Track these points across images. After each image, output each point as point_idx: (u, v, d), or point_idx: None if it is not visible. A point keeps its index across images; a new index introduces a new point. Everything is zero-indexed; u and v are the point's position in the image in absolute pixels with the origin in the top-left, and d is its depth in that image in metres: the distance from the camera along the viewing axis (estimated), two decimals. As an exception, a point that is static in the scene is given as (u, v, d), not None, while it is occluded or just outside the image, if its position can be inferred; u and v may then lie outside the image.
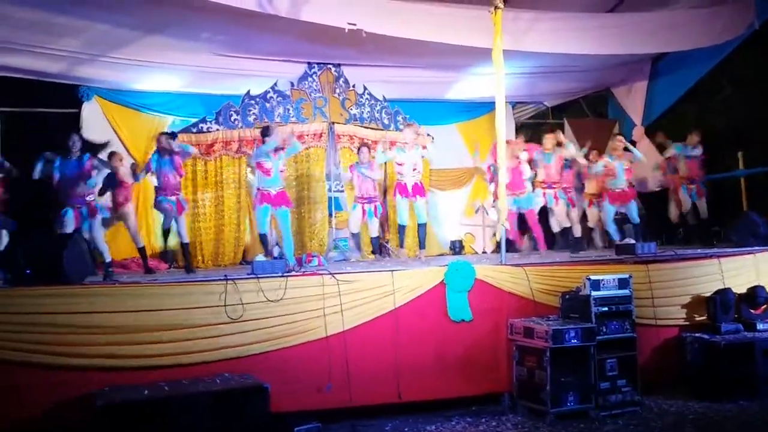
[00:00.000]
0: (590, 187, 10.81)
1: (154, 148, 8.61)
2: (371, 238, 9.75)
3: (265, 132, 8.31)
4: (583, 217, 11.16)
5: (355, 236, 9.54)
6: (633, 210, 9.72)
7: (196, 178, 10.11)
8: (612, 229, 9.98)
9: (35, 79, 9.35)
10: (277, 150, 8.22)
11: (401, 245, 9.24)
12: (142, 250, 8.56)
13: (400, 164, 9.20)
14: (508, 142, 9.25)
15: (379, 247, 9.88)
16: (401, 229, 9.25)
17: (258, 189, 8.25)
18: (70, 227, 7.54)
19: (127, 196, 8.61)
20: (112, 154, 8.75)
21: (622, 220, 11.16)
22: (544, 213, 10.28)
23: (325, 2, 7.61)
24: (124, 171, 8.63)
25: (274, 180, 8.14)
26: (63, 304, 5.63)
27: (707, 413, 6.48)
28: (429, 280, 6.78)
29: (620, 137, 9.90)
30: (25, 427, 5.39)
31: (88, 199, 7.74)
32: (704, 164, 10.57)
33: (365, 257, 9.99)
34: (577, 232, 10.13)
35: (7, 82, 9.22)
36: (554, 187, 9.94)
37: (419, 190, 9.07)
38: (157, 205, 8.55)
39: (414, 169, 9.07)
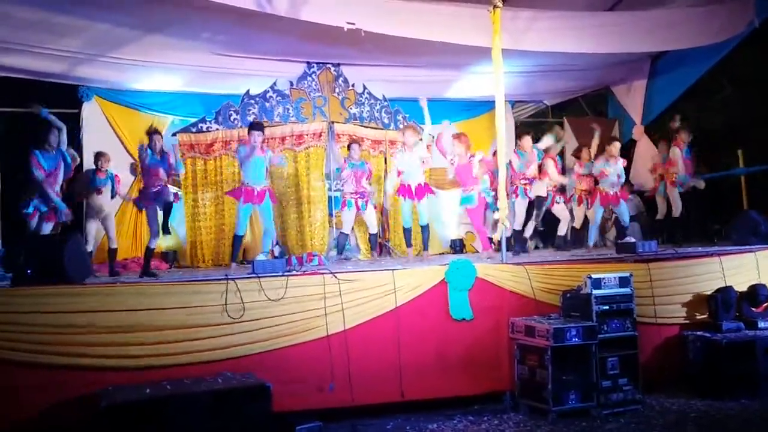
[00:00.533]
0: (580, 183, 10.80)
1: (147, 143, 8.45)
2: (369, 235, 9.74)
3: (253, 127, 8.29)
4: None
5: (345, 236, 9.52)
6: (623, 212, 9.68)
7: (195, 177, 10.11)
8: (594, 232, 9.93)
9: (35, 79, 9.34)
10: (263, 149, 8.22)
11: (408, 245, 9.20)
12: (113, 252, 8.51)
13: (400, 171, 9.12)
14: (460, 135, 9.20)
15: (379, 246, 9.86)
16: (406, 231, 9.20)
17: (242, 184, 8.20)
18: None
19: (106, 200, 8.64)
20: (99, 155, 8.74)
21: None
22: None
23: (323, 2, 7.59)
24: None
25: (257, 176, 8.14)
26: (64, 304, 5.62)
27: (709, 411, 6.49)
28: (430, 279, 6.78)
29: (616, 142, 9.82)
30: (27, 428, 5.39)
31: (56, 199, 7.65)
32: (698, 160, 10.55)
33: (365, 256, 9.97)
34: (562, 230, 10.12)
35: (7, 83, 9.22)
36: (534, 183, 9.89)
37: (423, 191, 8.97)
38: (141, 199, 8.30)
39: (420, 168, 9.02)
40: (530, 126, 14.16)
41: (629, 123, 12.33)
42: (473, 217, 9.38)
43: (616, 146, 9.66)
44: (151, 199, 7.97)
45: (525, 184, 9.67)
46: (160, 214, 8.02)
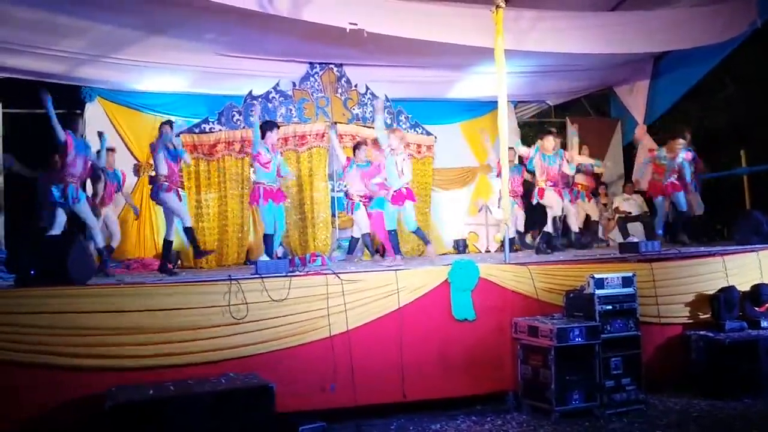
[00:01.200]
0: (580, 179, 10.76)
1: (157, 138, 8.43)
2: (352, 237, 9.66)
3: (266, 126, 8.15)
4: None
5: (367, 236, 9.43)
6: (679, 201, 9.78)
7: (198, 178, 10.14)
8: (660, 222, 9.89)
9: (38, 80, 9.36)
10: (273, 147, 8.18)
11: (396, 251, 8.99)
12: (111, 250, 8.47)
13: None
14: (395, 130, 8.82)
15: (381, 248, 9.85)
16: (391, 234, 8.99)
17: (258, 184, 8.04)
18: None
19: (111, 194, 8.66)
20: (107, 150, 8.75)
21: (626, 218, 11.22)
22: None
23: (326, 2, 7.62)
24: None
25: (273, 175, 8.07)
26: (67, 305, 5.61)
27: (712, 411, 6.48)
28: (433, 279, 6.77)
29: (680, 140, 9.78)
30: (30, 429, 5.38)
31: (74, 182, 7.58)
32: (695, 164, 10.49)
33: (367, 257, 9.95)
34: (549, 227, 10.04)
35: (10, 84, 9.26)
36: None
37: (403, 197, 8.46)
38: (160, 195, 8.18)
39: (402, 175, 8.39)
40: (532, 126, 14.23)
41: (632, 123, 12.34)
42: (377, 222, 8.90)
43: (680, 142, 9.78)
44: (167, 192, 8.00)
45: (552, 186, 9.43)
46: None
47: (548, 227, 9.48)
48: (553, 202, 9.44)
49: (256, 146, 8.01)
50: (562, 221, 9.73)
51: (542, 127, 13.13)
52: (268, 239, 8.13)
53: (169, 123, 8.28)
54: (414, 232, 8.91)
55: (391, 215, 8.59)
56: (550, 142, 9.56)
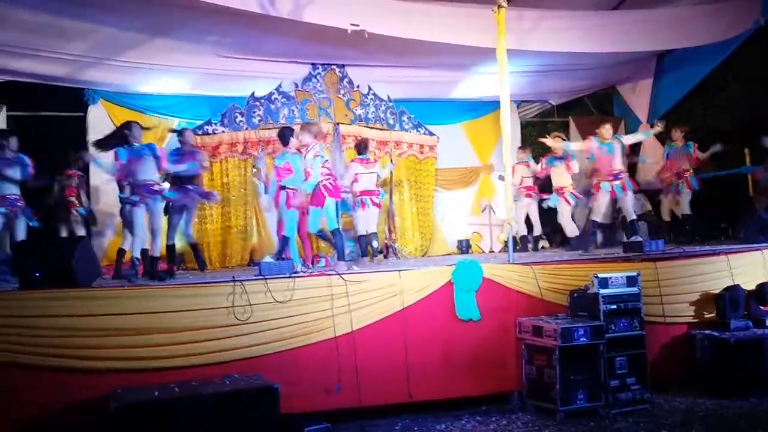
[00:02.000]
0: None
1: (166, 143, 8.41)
2: (360, 236, 9.37)
3: (290, 133, 7.85)
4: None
5: (372, 236, 9.30)
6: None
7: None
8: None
9: (42, 82, 9.38)
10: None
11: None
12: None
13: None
14: (304, 126, 8.29)
15: (385, 247, 9.84)
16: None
17: (295, 190, 7.63)
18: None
19: None
20: None
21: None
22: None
23: (327, 3, 7.62)
24: None
25: (298, 181, 7.72)
26: (72, 307, 5.63)
27: (717, 410, 6.46)
28: (437, 279, 6.76)
29: None
30: (36, 430, 5.40)
31: (155, 188, 7.43)
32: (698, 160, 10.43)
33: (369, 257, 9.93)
34: (574, 231, 9.99)
35: (14, 86, 9.27)
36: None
37: (331, 193, 7.81)
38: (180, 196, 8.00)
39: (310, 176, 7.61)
40: (535, 126, 14.19)
41: (635, 122, 12.30)
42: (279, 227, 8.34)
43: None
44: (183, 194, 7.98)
45: (611, 180, 9.10)
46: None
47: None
48: (600, 204, 9.28)
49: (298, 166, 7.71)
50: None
51: (545, 126, 13.11)
52: (285, 240, 7.78)
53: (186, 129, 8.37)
54: (316, 233, 8.18)
55: (330, 216, 7.96)
56: (608, 130, 9.33)
